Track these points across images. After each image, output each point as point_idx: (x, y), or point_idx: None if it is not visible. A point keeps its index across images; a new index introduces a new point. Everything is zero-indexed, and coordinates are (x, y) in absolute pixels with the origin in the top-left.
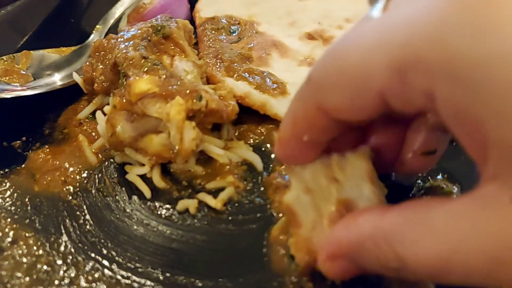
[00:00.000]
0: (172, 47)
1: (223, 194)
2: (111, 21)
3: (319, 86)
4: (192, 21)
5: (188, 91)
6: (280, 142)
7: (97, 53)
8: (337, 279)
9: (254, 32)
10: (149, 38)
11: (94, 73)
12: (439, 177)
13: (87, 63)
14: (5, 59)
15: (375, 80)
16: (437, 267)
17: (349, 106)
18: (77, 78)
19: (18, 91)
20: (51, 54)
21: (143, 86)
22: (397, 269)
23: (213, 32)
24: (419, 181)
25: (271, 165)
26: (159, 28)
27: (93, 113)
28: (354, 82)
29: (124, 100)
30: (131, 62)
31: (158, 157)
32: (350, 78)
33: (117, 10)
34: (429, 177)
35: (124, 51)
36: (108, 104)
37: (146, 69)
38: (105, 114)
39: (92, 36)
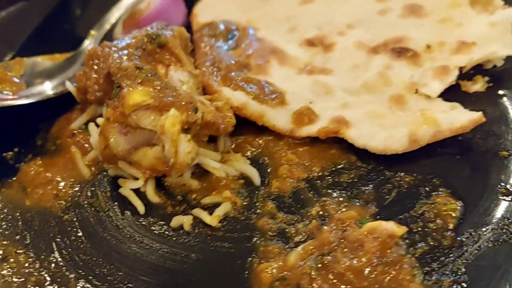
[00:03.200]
0: (168, 56)
1: (219, 210)
2: (106, 27)
3: None
4: (189, 25)
5: (183, 103)
6: None
7: (90, 61)
8: None
9: (253, 38)
10: (143, 47)
11: (88, 82)
12: (442, 193)
13: (81, 72)
14: None
15: None
16: None
17: None
18: (70, 87)
19: (9, 100)
20: (44, 61)
21: (137, 97)
22: None
23: (210, 38)
24: (422, 197)
25: (268, 179)
26: (154, 37)
27: (87, 124)
28: None
29: (118, 112)
30: (125, 72)
31: (152, 171)
32: None
33: (112, 16)
34: (432, 193)
35: (118, 61)
36: (101, 114)
37: (140, 80)
38: (98, 126)
39: (86, 42)
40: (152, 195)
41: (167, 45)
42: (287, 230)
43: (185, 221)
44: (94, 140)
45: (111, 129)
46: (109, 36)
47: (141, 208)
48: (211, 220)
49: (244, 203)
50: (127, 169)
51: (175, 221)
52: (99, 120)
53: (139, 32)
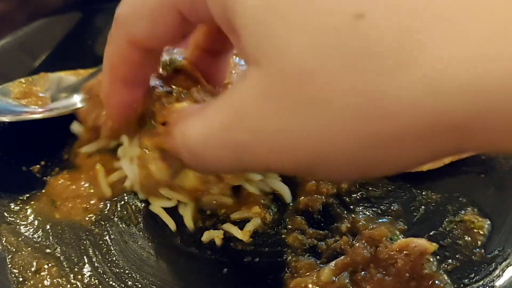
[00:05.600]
0: (185, 80)
1: (249, 225)
2: None
3: (125, 20)
4: None
5: None
6: (105, 94)
7: (89, 97)
8: None
9: None
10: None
11: (97, 121)
12: (469, 211)
13: (84, 111)
14: (23, 81)
15: None
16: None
17: (153, 31)
18: (77, 129)
19: (37, 113)
20: (68, 77)
21: (179, 105)
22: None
23: None
24: (450, 214)
25: (297, 195)
26: (169, 63)
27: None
28: (153, 5)
29: (157, 138)
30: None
31: (195, 192)
32: (150, 3)
33: None
34: (460, 211)
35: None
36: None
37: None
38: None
39: None
40: (189, 221)
41: (183, 69)
42: (318, 245)
43: (216, 236)
44: (133, 173)
45: (150, 158)
46: None
47: (173, 226)
48: (243, 235)
49: (274, 218)
50: (172, 195)
51: (206, 236)
52: (120, 152)
53: None
